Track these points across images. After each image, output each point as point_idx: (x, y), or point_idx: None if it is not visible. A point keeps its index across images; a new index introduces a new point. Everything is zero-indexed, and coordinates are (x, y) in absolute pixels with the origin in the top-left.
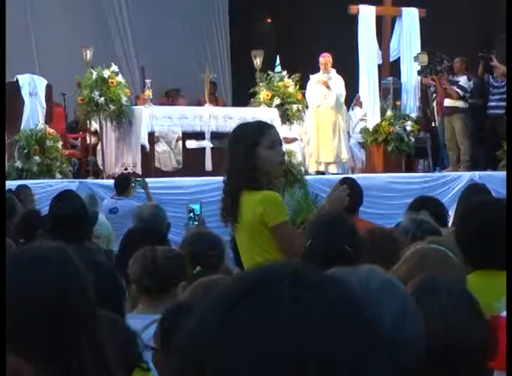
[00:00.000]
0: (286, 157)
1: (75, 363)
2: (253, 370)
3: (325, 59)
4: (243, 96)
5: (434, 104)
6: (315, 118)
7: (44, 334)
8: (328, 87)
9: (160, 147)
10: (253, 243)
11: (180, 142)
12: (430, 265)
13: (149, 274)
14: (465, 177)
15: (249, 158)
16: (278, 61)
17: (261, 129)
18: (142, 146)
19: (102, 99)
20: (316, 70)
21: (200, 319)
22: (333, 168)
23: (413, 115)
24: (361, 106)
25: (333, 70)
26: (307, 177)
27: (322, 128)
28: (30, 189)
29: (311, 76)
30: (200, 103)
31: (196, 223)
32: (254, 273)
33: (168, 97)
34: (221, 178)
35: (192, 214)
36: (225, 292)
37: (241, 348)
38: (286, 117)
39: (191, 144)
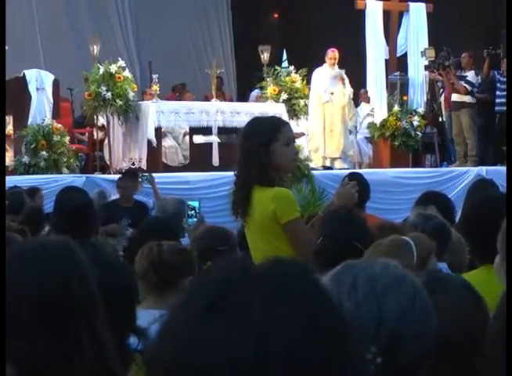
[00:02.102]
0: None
1: (74, 349)
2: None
3: (334, 54)
4: (248, 91)
5: (442, 99)
6: (321, 113)
7: (44, 321)
8: (344, 83)
9: (167, 142)
10: (264, 239)
11: (187, 138)
12: (378, 254)
13: (155, 269)
14: (472, 172)
15: (264, 154)
16: (285, 56)
17: (277, 125)
18: (149, 141)
19: (109, 94)
20: (321, 64)
21: (181, 328)
22: (339, 164)
23: (420, 110)
24: (366, 101)
25: (336, 66)
26: (314, 172)
27: (330, 123)
28: (41, 190)
29: (317, 70)
30: (207, 99)
31: (194, 220)
32: (218, 274)
33: (175, 92)
34: (228, 174)
35: (193, 211)
36: (196, 299)
37: (217, 352)
38: (293, 112)
39: (198, 139)
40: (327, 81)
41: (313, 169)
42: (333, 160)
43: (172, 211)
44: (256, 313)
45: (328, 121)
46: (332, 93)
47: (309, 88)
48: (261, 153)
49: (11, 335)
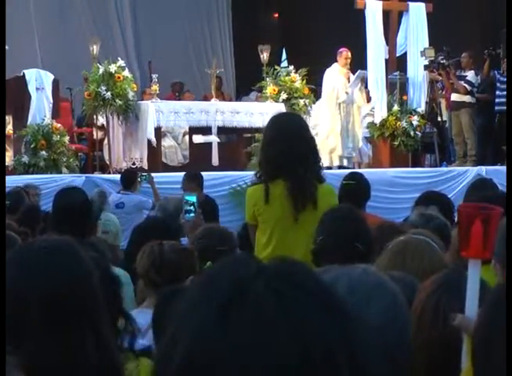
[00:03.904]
0: None
1: (79, 347)
2: (259, 368)
3: (348, 53)
4: (247, 91)
5: (441, 99)
6: (338, 113)
7: (51, 321)
8: (362, 84)
9: (167, 142)
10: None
11: (187, 137)
12: (410, 253)
13: (156, 269)
14: (472, 172)
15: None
16: (284, 56)
17: None
18: (149, 141)
19: (109, 93)
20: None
21: (195, 332)
22: (357, 164)
23: (420, 110)
24: (367, 101)
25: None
26: None
27: (348, 122)
28: (37, 189)
29: (329, 70)
30: (207, 98)
31: (192, 215)
32: (229, 273)
33: (173, 90)
34: (227, 173)
35: (192, 207)
36: (209, 299)
37: (244, 350)
38: None
39: (198, 139)
40: (343, 80)
41: (329, 168)
42: (350, 159)
43: (173, 210)
44: (271, 311)
45: (345, 120)
46: (346, 92)
47: (310, 88)
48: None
49: (18, 336)
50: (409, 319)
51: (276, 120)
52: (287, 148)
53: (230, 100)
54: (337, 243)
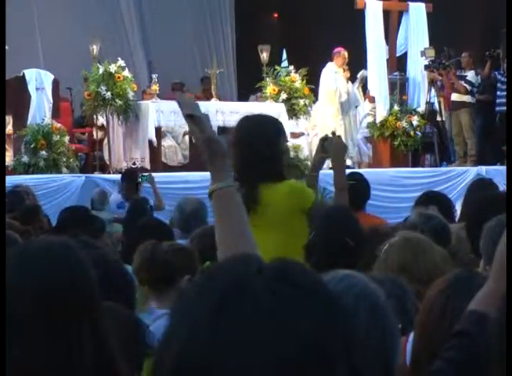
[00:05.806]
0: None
1: (75, 348)
2: (255, 367)
3: (345, 53)
4: (248, 91)
5: (441, 99)
6: (340, 112)
7: (46, 320)
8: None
9: (167, 142)
10: (279, 234)
11: (187, 137)
12: (421, 248)
13: (146, 267)
14: (472, 172)
15: (276, 149)
16: (284, 56)
17: (279, 121)
18: (149, 141)
19: (109, 93)
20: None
21: (189, 328)
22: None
23: (420, 110)
24: (371, 101)
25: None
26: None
27: (348, 122)
28: (28, 188)
29: (327, 69)
30: (198, 99)
31: None
32: (228, 271)
33: (174, 90)
34: None
35: None
36: (205, 297)
37: (238, 348)
38: (292, 112)
39: None
40: (343, 79)
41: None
42: (352, 158)
43: (190, 212)
44: (269, 310)
45: (346, 119)
46: (346, 93)
47: (310, 88)
48: (274, 148)
49: (14, 335)
50: (394, 324)
51: (241, 123)
52: (247, 151)
53: (219, 100)
54: (328, 239)
